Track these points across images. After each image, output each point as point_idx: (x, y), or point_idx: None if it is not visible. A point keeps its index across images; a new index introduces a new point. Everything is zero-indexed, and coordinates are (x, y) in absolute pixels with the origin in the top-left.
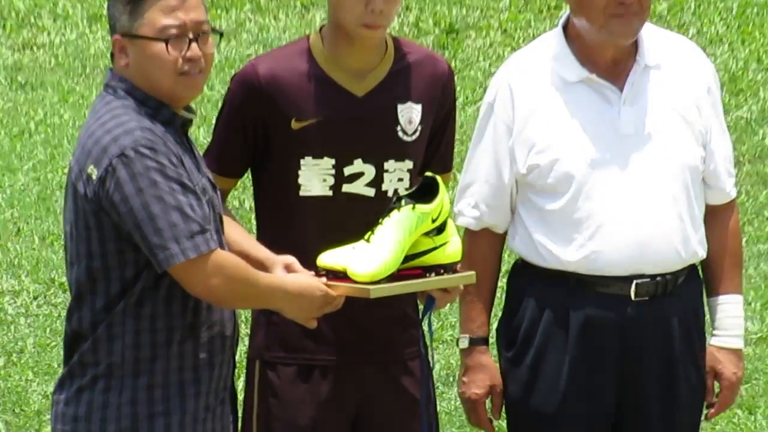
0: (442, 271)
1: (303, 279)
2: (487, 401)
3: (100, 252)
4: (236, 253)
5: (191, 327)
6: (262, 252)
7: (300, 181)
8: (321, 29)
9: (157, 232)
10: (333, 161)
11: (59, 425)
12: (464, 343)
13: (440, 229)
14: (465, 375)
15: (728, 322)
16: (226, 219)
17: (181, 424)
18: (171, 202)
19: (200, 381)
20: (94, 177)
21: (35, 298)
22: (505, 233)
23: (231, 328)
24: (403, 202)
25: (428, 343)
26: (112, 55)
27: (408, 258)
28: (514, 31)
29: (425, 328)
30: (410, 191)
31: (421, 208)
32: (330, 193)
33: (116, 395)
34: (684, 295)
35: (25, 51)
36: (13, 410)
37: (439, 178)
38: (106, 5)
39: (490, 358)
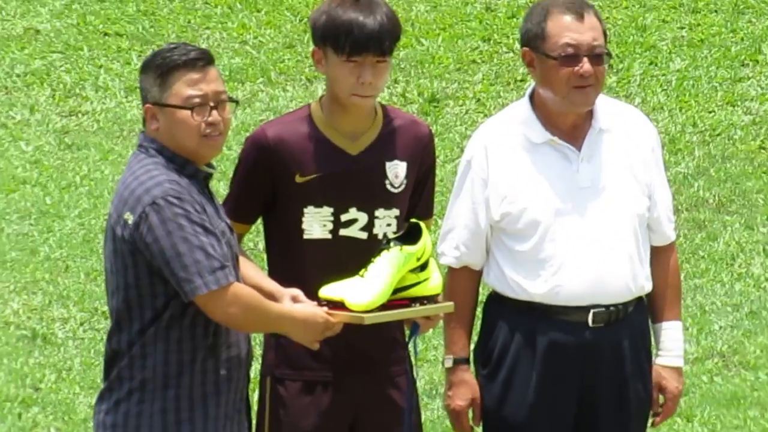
0: (425, 301)
1: (307, 308)
2: (469, 411)
3: (135, 285)
4: (251, 286)
5: (212, 348)
6: (272, 285)
7: (303, 226)
8: (321, 99)
9: (184, 267)
10: (331, 210)
11: (101, 430)
12: (449, 363)
13: (423, 267)
14: (450, 390)
15: (671, 344)
16: (242, 258)
17: (204, 429)
18: (195, 242)
19: (220, 393)
20: (130, 222)
21: (81, 324)
22: (481, 270)
23: (246, 349)
24: (391, 243)
25: (413, 362)
26: (144, 120)
27: (396, 291)
28: (486, 100)
29: (411, 349)
30: (398, 235)
31: (407, 249)
32: (329, 236)
33: (149, 405)
34: (633, 322)
35: (72, 117)
36: (63, 419)
37: (422, 223)
38: (139, 79)
39: (471, 375)
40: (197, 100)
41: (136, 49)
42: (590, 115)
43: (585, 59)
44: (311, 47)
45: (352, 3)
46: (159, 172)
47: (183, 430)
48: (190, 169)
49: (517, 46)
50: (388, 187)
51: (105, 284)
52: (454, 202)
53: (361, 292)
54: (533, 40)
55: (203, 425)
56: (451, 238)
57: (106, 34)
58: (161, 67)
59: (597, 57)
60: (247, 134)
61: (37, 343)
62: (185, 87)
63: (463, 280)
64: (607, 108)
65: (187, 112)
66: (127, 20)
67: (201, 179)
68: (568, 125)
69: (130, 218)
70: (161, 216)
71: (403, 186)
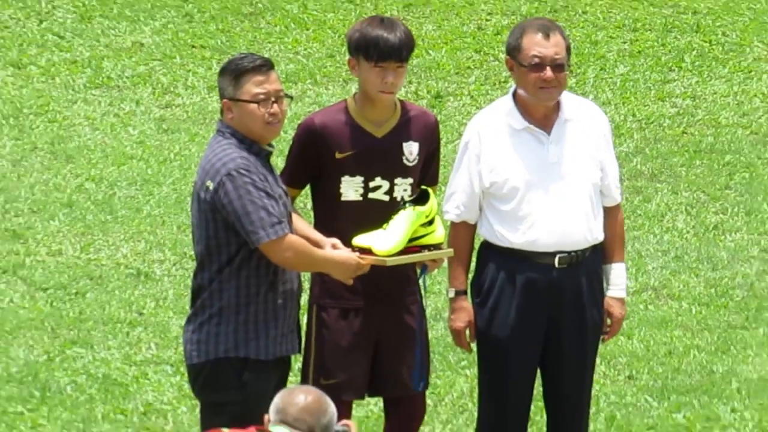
0: (432, 248)
1: (343, 253)
2: (466, 331)
3: (214, 235)
4: (301, 236)
5: (272, 283)
6: (317, 235)
7: (341, 191)
8: (354, 95)
9: (251, 223)
10: (362, 178)
11: (188, 345)
12: (452, 294)
13: (431, 222)
14: (452, 314)
15: (617, 280)
16: (294, 215)
17: (266, 345)
18: (259, 204)
19: (278, 318)
20: (210, 188)
21: (174, 265)
22: (476, 224)
23: (297, 284)
24: (407, 204)
25: (423, 294)
26: (221, 111)
27: (410, 240)
28: (478, 97)
29: (421, 284)
30: (411, 198)
31: (419, 208)
32: (360, 198)
33: (224, 327)
34: (589, 264)
35: (167, 109)
36: (160, 336)
37: (430, 189)
38: (217, 80)
39: (468, 303)
40: (262, 96)
41: (215, 58)
42: (558, 107)
43: (548, 68)
44: (347, 57)
45: (378, 23)
46: (233, 150)
47: (250, 345)
48: (256, 148)
49: (502, 56)
50: (405, 161)
51: (191, 235)
52: (455, 173)
53: (385, 241)
54: (512, 52)
55: (265, 342)
56: (453, 200)
57: (193, 46)
58: (235, 72)
59: (558, 66)
60: (299, 122)
61: (141, 279)
62: (253, 86)
63: (461, 231)
64: (571, 102)
65: (255, 105)
66: (208, 36)
67: (264, 156)
68: (541, 115)
69: (210, 185)
70: (234, 184)
71: (416, 161)
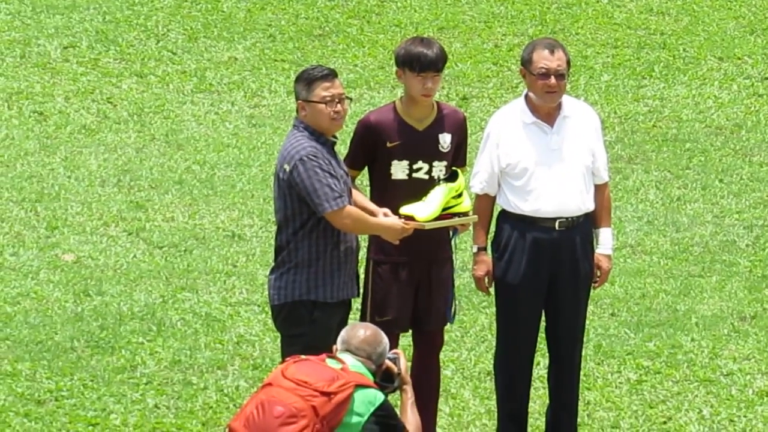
0: (461, 215)
1: (392, 220)
2: (485, 278)
3: (290, 206)
4: (359, 207)
5: (336, 243)
6: (372, 206)
7: (391, 171)
8: (401, 98)
9: (318, 197)
10: (407, 162)
11: (272, 291)
12: (475, 249)
13: (459, 195)
14: (475, 265)
15: (605, 241)
16: (354, 190)
17: (331, 290)
18: (324, 182)
19: (341, 269)
20: (287, 170)
21: (260, 228)
22: (495, 196)
23: (355, 244)
24: (441, 182)
25: (453, 251)
26: (297, 110)
27: (444, 209)
28: (495, 98)
29: (452, 244)
30: (445, 176)
31: (450, 184)
32: (406, 177)
33: (299, 276)
34: (582, 227)
35: (255, 108)
36: (250, 283)
37: (459, 170)
38: (293, 86)
39: (488, 257)
40: (328, 98)
41: (292, 69)
42: (559, 106)
43: (552, 77)
44: (395, 68)
45: (419, 42)
46: (304, 140)
47: (319, 290)
48: (323, 139)
49: (514, 67)
50: (440, 148)
51: (273, 205)
52: (479, 157)
53: (424, 210)
54: (525, 64)
55: (330, 288)
56: (478, 177)
57: (275, 60)
58: (307, 79)
59: (560, 76)
60: (358, 119)
61: (235, 239)
62: (321, 90)
63: (484, 202)
64: (569, 103)
65: (323, 105)
66: (287, 52)
67: (329, 145)
68: (545, 113)
69: (287, 167)
70: (305, 167)
71: (448, 148)
